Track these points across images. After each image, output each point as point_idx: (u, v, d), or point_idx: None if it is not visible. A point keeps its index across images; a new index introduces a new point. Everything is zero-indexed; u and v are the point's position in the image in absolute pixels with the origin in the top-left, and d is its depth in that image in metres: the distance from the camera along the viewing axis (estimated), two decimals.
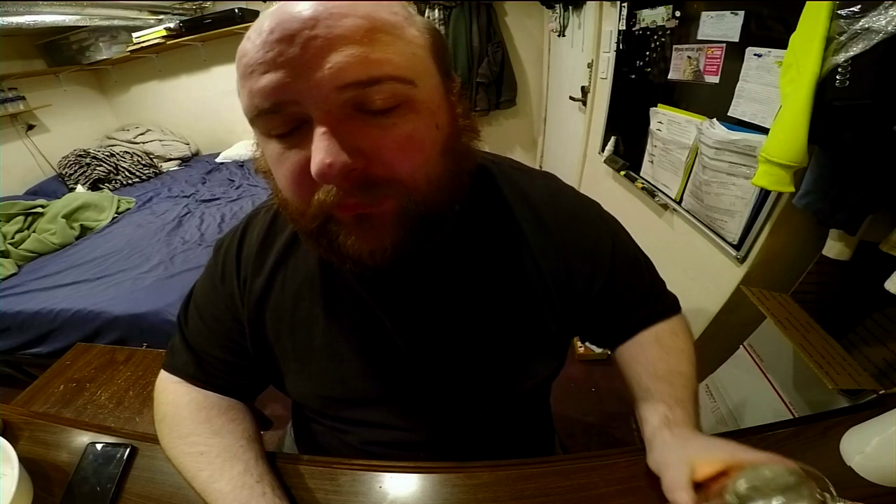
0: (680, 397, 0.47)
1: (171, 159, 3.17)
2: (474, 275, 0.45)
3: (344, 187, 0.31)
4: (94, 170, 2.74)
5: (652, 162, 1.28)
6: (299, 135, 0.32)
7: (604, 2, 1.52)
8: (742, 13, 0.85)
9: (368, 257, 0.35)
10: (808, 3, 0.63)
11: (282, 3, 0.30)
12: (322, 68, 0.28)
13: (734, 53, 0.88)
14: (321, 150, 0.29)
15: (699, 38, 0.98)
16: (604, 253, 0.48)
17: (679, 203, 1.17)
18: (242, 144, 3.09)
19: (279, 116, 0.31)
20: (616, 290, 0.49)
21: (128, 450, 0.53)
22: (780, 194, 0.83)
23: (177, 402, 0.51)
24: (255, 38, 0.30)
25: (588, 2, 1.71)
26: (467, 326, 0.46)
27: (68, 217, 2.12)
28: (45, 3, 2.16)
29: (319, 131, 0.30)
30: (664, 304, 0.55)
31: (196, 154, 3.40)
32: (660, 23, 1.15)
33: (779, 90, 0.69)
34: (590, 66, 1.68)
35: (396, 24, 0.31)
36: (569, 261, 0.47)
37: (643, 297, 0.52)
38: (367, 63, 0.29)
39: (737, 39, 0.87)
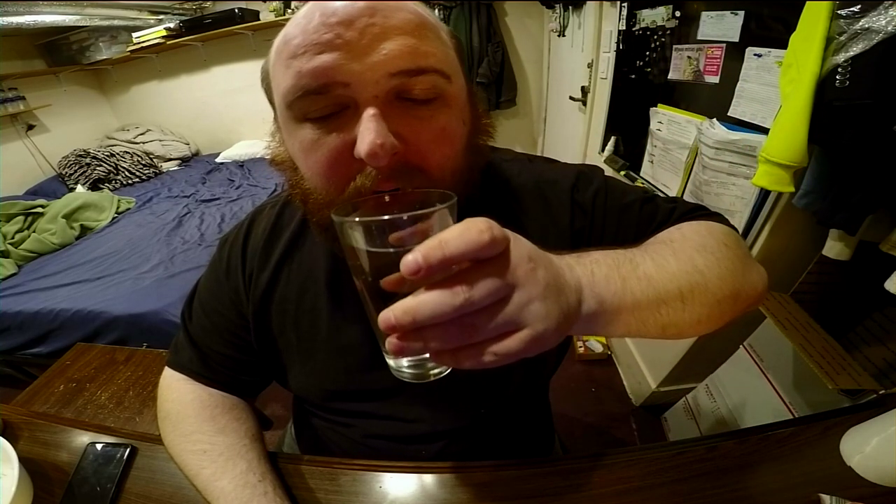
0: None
1: (171, 159, 3.17)
2: None
3: (385, 171, 0.32)
4: (94, 170, 2.74)
5: (652, 162, 1.27)
6: (338, 120, 0.32)
7: (604, 2, 1.52)
8: (742, 13, 0.85)
9: None
10: (808, 3, 0.63)
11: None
12: (377, 53, 0.30)
13: (734, 53, 0.88)
14: (372, 130, 0.30)
15: (699, 38, 0.98)
16: (564, 189, 0.47)
17: None
18: (242, 144, 3.10)
19: (323, 98, 0.32)
20: (596, 220, 0.46)
21: (128, 450, 0.53)
22: (780, 194, 0.82)
23: (181, 399, 0.51)
24: (305, 23, 0.31)
25: (588, 2, 1.70)
26: None
27: (68, 217, 2.12)
28: (45, 3, 2.16)
29: (369, 113, 0.31)
30: (670, 210, 0.46)
31: (196, 154, 3.40)
32: (660, 23, 1.15)
33: (779, 90, 0.69)
34: (590, 66, 1.68)
35: (435, 25, 0.34)
36: (545, 221, 0.46)
37: (632, 211, 0.46)
38: (416, 54, 0.31)
39: (737, 39, 0.87)
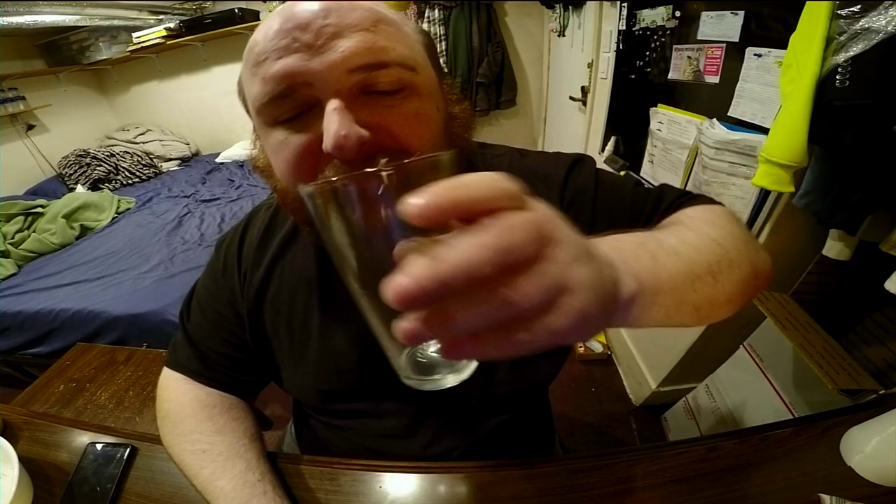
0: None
1: (171, 159, 3.17)
2: None
3: (354, 162, 0.32)
4: (94, 170, 2.74)
5: (652, 162, 1.27)
6: (305, 120, 0.33)
7: (604, 2, 1.52)
8: (742, 13, 0.85)
9: None
10: (808, 3, 0.63)
11: (289, 2, 0.32)
12: (334, 51, 0.30)
13: (734, 53, 0.88)
14: (335, 122, 0.30)
15: (699, 38, 0.98)
16: (555, 183, 0.46)
17: None
18: (242, 144, 3.10)
19: (289, 101, 0.32)
20: (587, 210, 0.45)
21: (128, 450, 0.53)
22: (780, 194, 0.82)
23: (180, 399, 0.51)
24: (266, 31, 0.32)
25: (588, 2, 1.70)
26: None
27: (68, 217, 2.11)
28: (45, 3, 2.16)
29: (332, 106, 0.30)
30: (658, 194, 0.46)
31: (196, 154, 3.40)
32: (660, 23, 1.14)
33: (779, 90, 0.69)
34: (590, 66, 1.68)
35: (396, 19, 0.35)
36: None
37: (632, 204, 0.46)
38: (374, 49, 0.31)
39: (737, 39, 0.87)
